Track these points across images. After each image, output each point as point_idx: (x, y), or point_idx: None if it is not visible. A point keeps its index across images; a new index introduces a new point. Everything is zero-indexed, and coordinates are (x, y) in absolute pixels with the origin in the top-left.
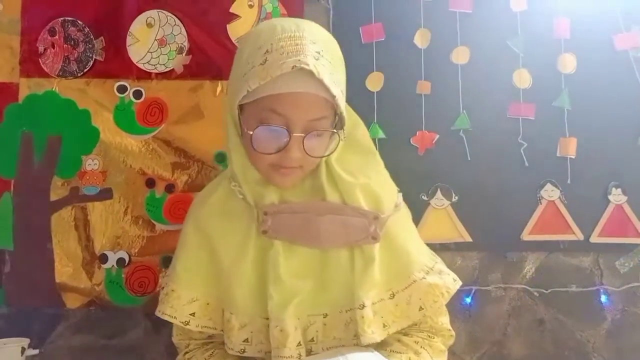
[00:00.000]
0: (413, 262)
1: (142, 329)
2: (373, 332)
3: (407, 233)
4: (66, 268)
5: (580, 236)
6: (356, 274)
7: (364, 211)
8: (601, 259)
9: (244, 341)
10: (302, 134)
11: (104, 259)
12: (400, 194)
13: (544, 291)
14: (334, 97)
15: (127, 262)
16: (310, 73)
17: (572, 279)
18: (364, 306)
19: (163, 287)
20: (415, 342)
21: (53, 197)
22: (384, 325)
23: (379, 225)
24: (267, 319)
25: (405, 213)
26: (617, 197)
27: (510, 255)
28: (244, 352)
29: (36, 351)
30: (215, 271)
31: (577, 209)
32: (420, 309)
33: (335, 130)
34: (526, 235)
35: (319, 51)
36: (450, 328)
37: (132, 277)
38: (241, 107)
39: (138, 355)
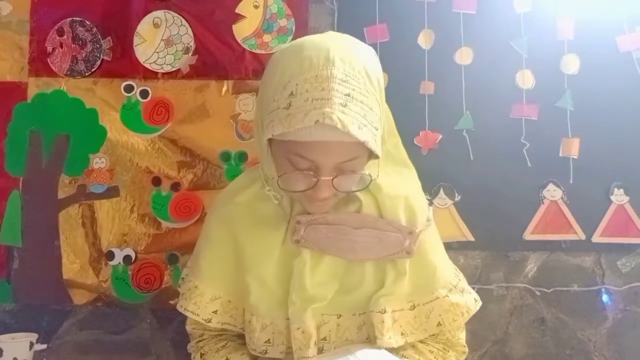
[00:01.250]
0: (438, 278)
1: (147, 325)
2: (390, 338)
3: (436, 248)
4: (73, 265)
5: (582, 236)
6: (387, 285)
7: (400, 226)
8: (603, 258)
9: (265, 342)
10: (330, 177)
11: (110, 256)
12: (432, 208)
13: (546, 290)
14: (364, 142)
15: (133, 259)
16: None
17: (574, 278)
18: (385, 311)
19: (183, 278)
20: (430, 351)
21: (61, 194)
22: (402, 334)
23: (413, 240)
24: (288, 319)
25: (434, 227)
26: (619, 197)
27: (512, 255)
28: (265, 353)
29: (44, 346)
30: (238, 270)
31: (579, 209)
32: (439, 324)
33: (368, 174)
34: (528, 235)
35: (348, 93)
36: (465, 345)
37: (138, 274)
38: (270, 140)
39: (144, 351)
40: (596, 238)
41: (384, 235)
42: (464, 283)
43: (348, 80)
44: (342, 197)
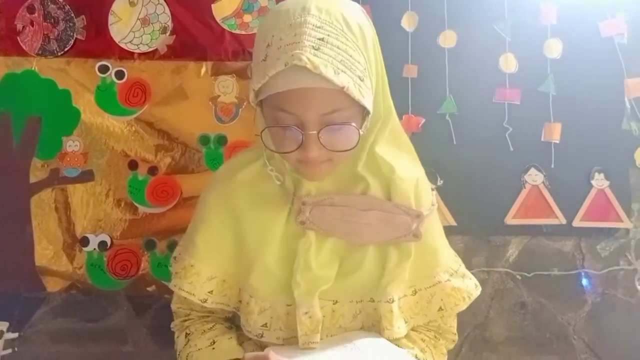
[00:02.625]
0: (439, 263)
1: (124, 312)
2: (399, 327)
3: (437, 233)
4: (46, 251)
5: (562, 220)
6: (388, 269)
7: (408, 208)
8: (583, 242)
9: (262, 326)
10: (316, 131)
11: (85, 242)
12: (435, 192)
13: (527, 274)
14: (342, 87)
15: (108, 245)
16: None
17: (554, 262)
18: (393, 300)
19: (176, 257)
20: (422, 339)
21: (32, 179)
22: (405, 321)
23: (421, 223)
24: (289, 305)
25: (435, 212)
26: (599, 181)
27: (494, 239)
28: (261, 336)
29: (15, 334)
30: (237, 250)
31: (560, 193)
32: (440, 309)
33: (353, 125)
34: (510, 219)
35: (322, 37)
36: (456, 332)
37: (114, 261)
38: (261, 103)
39: (120, 339)
40: (577, 222)
41: (391, 217)
42: (464, 269)
43: (323, 26)
44: (339, 164)
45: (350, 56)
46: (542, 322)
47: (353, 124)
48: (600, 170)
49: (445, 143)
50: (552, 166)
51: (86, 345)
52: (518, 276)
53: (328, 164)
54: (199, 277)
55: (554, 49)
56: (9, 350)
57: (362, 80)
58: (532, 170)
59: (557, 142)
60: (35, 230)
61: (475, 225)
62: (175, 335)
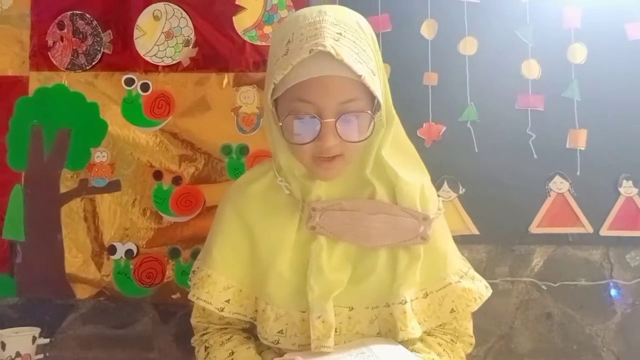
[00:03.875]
0: (449, 265)
1: (150, 319)
2: (413, 328)
3: (445, 237)
4: (75, 259)
5: (589, 229)
6: (399, 271)
7: (414, 212)
8: (611, 252)
9: (278, 332)
10: (333, 119)
11: (112, 250)
12: (441, 199)
13: (552, 284)
14: (360, 76)
15: (135, 253)
16: (330, 55)
17: (581, 272)
18: (405, 301)
19: (195, 271)
20: (439, 344)
21: (62, 189)
22: (419, 323)
23: (428, 226)
24: (303, 312)
25: (443, 217)
26: (627, 189)
27: (518, 249)
28: (277, 343)
29: (47, 340)
30: (252, 259)
31: (587, 201)
32: (452, 311)
33: (369, 112)
34: (534, 228)
35: (340, 32)
36: (472, 335)
37: (140, 269)
38: (276, 102)
39: (146, 345)
40: (604, 231)
41: (399, 221)
42: (473, 271)
43: (339, 24)
44: (350, 161)
45: (364, 51)
46: (569, 334)
47: (368, 111)
48: (629, 178)
49: (466, 151)
50: (578, 173)
51: (113, 351)
52: (544, 286)
53: (340, 160)
54: (216, 286)
55: (578, 54)
56: (41, 356)
57: (374, 74)
58: (557, 178)
59: (583, 148)
60: (65, 239)
61: (499, 234)
62: (196, 350)
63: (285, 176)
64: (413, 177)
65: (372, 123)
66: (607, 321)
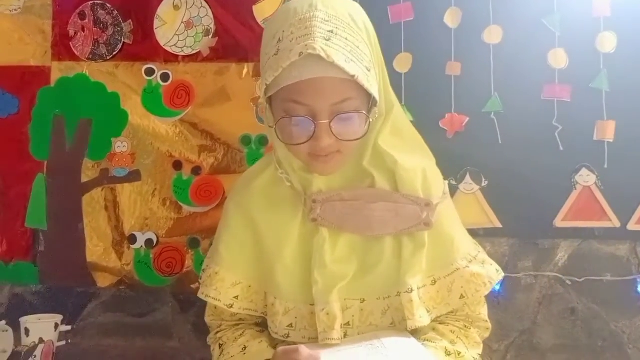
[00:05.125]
0: (457, 250)
1: (169, 308)
2: (421, 316)
3: (452, 221)
4: (97, 248)
5: (616, 223)
6: (404, 259)
7: (416, 198)
8: (639, 247)
9: (288, 326)
10: (327, 120)
11: (132, 239)
12: (447, 182)
13: (577, 280)
14: (353, 76)
15: (155, 243)
16: (321, 57)
17: (607, 267)
18: (412, 290)
19: (204, 269)
20: (452, 331)
21: (84, 178)
22: (427, 311)
23: (431, 212)
24: (312, 305)
25: (450, 200)
26: None
27: (542, 243)
28: (287, 337)
29: (69, 327)
30: (258, 254)
31: (614, 195)
32: (462, 297)
33: (363, 112)
34: (559, 222)
35: (331, 30)
36: (487, 320)
37: (160, 258)
38: (270, 99)
39: (165, 334)
40: (632, 226)
41: (400, 208)
42: (484, 255)
43: (330, 20)
44: (347, 156)
45: (357, 47)
46: (594, 330)
47: (363, 111)
48: None
49: (490, 142)
50: (605, 166)
51: (134, 339)
52: (568, 281)
53: (337, 156)
54: (224, 283)
55: (607, 43)
56: (63, 342)
57: (369, 70)
58: (584, 171)
59: (611, 140)
60: (86, 228)
61: (522, 227)
62: (211, 349)
63: (286, 169)
64: (414, 162)
65: (368, 122)
66: (634, 318)
